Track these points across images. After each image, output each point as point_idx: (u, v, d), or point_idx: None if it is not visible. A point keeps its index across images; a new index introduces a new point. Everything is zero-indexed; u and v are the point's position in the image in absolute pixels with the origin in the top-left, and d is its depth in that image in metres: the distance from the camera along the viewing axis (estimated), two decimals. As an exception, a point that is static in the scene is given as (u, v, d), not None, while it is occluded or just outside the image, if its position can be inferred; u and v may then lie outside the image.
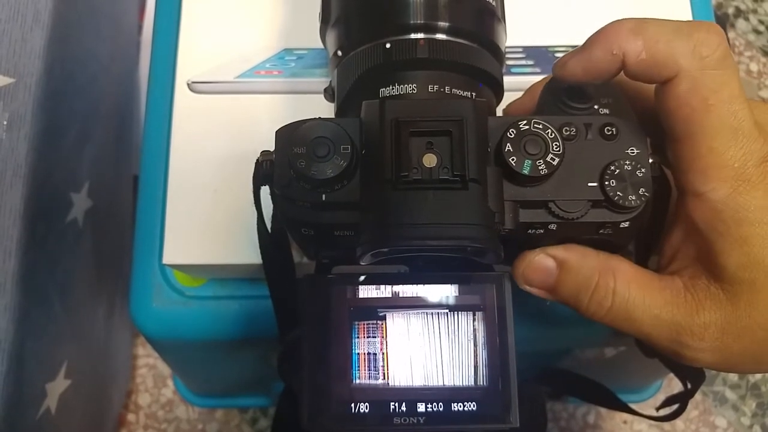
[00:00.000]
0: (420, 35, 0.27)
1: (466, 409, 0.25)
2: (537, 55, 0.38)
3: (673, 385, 0.65)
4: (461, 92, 0.27)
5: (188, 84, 0.37)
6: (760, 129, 0.24)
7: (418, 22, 0.27)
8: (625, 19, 0.25)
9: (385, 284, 0.26)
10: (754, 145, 0.24)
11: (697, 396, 0.69)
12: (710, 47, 0.24)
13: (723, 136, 0.24)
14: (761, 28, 0.82)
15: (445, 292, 0.26)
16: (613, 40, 0.24)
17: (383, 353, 0.25)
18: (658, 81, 0.25)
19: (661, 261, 0.27)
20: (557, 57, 0.37)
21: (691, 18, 0.38)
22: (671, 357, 0.26)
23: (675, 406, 0.37)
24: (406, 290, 0.26)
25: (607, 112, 0.27)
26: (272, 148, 0.26)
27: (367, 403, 0.25)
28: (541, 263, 0.27)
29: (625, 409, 0.44)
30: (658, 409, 0.39)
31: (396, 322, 0.26)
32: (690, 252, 0.26)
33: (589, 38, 0.25)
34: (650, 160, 0.25)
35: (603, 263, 0.26)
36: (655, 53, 0.24)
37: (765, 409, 0.69)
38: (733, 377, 0.70)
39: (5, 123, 0.40)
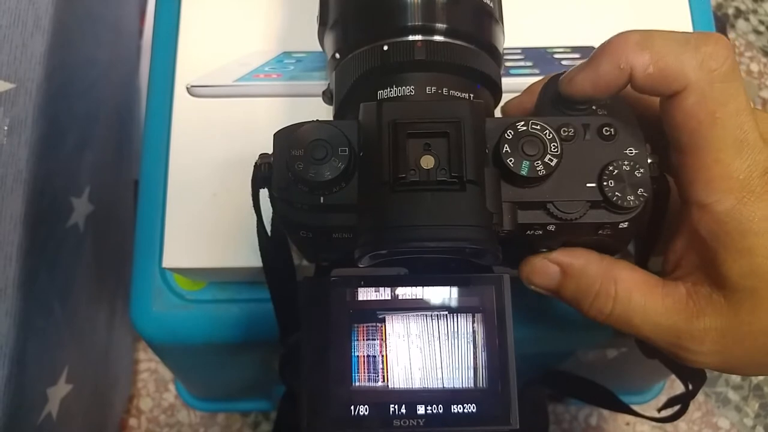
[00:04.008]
0: (417, 37, 0.27)
1: (465, 410, 0.25)
2: (535, 56, 0.38)
3: (675, 386, 0.65)
4: (459, 94, 0.27)
5: (187, 88, 0.37)
6: (764, 140, 0.24)
7: (416, 24, 0.27)
8: (631, 31, 0.24)
9: (384, 286, 0.26)
10: (759, 156, 0.24)
11: (700, 397, 0.69)
12: (718, 60, 0.23)
13: (729, 148, 0.24)
14: (761, 28, 0.82)
15: (444, 294, 0.26)
16: (619, 54, 0.24)
17: (383, 355, 0.25)
18: (665, 94, 0.24)
19: (666, 267, 0.28)
20: (556, 58, 0.38)
21: (689, 18, 0.38)
22: (673, 358, 0.26)
23: (677, 407, 0.36)
24: (405, 292, 0.26)
25: (605, 112, 0.26)
26: (271, 151, 0.26)
27: (366, 406, 0.25)
28: (544, 268, 0.27)
29: (628, 410, 0.44)
30: (660, 410, 0.39)
31: (395, 325, 0.26)
32: (693, 259, 0.26)
33: (595, 52, 0.25)
34: (649, 161, 0.25)
35: (606, 270, 0.26)
36: (663, 67, 0.24)
37: (768, 410, 0.69)
38: (736, 378, 0.70)
39: (6, 128, 0.40)
